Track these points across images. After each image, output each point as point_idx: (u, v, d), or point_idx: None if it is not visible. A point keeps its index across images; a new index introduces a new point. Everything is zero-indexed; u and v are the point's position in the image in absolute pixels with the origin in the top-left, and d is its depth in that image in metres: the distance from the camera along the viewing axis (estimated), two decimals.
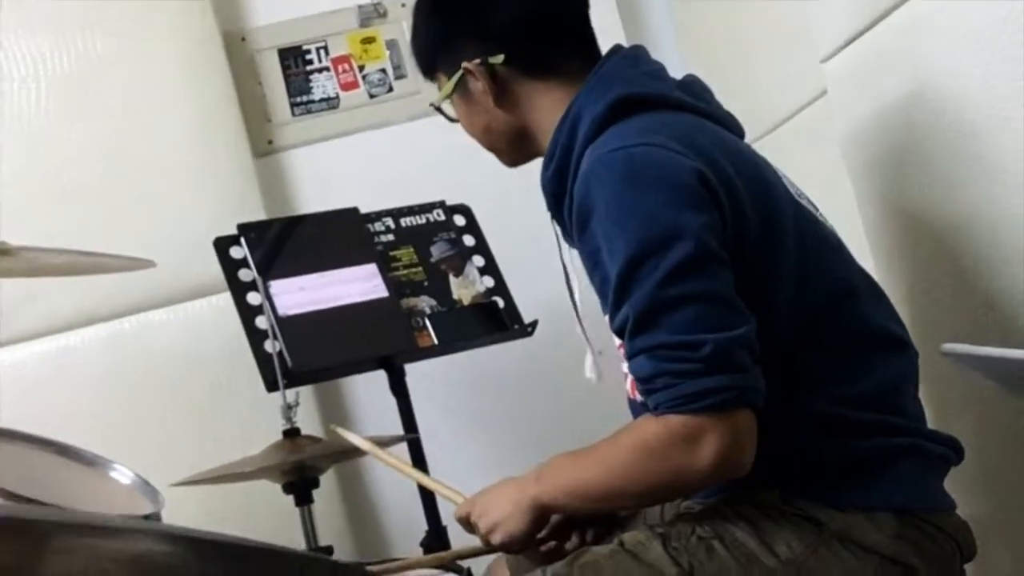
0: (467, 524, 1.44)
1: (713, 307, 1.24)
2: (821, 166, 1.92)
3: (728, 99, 1.52)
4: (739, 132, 1.50)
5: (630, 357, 1.28)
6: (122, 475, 1.65)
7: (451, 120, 1.57)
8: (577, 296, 1.56)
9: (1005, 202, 1.46)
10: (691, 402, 1.22)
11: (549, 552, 1.45)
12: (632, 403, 1.44)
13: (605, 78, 1.43)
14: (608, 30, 1.87)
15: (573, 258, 1.48)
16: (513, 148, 1.53)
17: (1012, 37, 1.36)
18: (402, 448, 2.07)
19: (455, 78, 1.49)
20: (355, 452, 2.31)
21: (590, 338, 1.59)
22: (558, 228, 1.51)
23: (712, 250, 1.26)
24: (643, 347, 1.25)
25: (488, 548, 1.43)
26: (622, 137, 1.34)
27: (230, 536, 0.76)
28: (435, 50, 1.53)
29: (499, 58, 1.46)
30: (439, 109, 1.56)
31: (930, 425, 1.43)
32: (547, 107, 1.46)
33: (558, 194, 1.43)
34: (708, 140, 1.36)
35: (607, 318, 1.33)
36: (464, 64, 1.47)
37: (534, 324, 2.19)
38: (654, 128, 1.34)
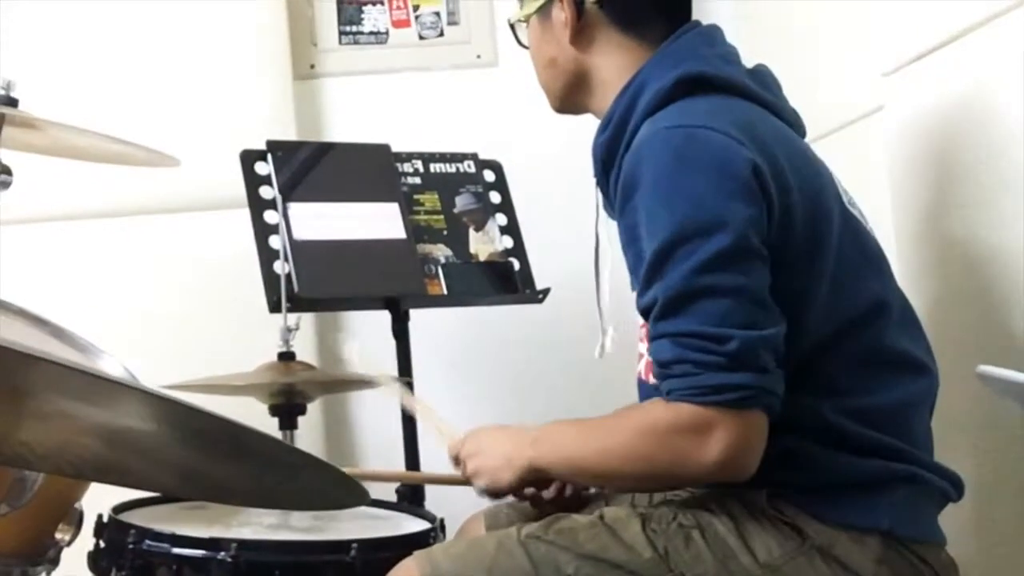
0: (455, 459, 1.43)
1: (745, 303, 1.22)
2: (864, 181, 1.89)
3: None
4: (801, 131, 1.47)
5: (653, 339, 1.26)
6: (111, 368, 1.63)
7: (521, 45, 1.54)
8: (605, 271, 1.53)
9: None
10: (708, 394, 1.20)
11: (527, 498, 1.44)
12: (642, 385, 1.41)
13: (677, 52, 1.40)
14: None
15: (610, 231, 1.45)
16: (568, 92, 1.49)
17: None
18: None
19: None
20: (345, 384, 2.28)
21: (606, 316, 1.56)
22: (601, 197, 1.48)
23: (753, 246, 1.23)
24: (668, 332, 1.23)
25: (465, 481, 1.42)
26: (683, 115, 1.31)
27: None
28: None
29: None
30: (513, 27, 1.53)
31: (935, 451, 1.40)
32: (617, 63, 1.43)
33: (607, 161, 1.40)
34: (769, 133, 1.33)
35: (635, 296, 1.30)
36: None
37: (546, 291, 2.16)
38: (717, 112, 1.31)
